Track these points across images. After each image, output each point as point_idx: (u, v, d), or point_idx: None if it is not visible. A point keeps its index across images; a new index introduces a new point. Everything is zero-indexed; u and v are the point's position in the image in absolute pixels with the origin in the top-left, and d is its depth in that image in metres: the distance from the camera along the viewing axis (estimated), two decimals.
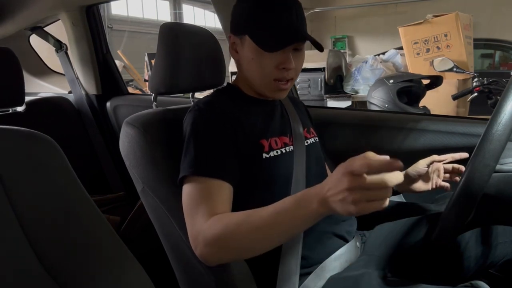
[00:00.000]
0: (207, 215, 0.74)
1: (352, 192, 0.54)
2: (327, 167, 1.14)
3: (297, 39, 0.84)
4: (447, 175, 0.96)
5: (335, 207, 0.58)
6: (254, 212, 0.71)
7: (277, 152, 0.87)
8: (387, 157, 0.53)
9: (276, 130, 0.91)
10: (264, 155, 0.85)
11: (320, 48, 0.86)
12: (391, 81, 2.49)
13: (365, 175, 0.53)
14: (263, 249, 0.72)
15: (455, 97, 2.25)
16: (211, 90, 1.04)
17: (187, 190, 0.79)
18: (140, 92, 3.58)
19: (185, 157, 0.81)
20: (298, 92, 1.59)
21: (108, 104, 1.88)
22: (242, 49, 0.89)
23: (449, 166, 0.96)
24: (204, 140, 0.82)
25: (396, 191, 1.00)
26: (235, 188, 0.81)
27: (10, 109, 1.57)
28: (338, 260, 0.88)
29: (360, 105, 3.28)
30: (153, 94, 1.07)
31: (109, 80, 1.88)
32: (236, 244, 0.72)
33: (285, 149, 0.89)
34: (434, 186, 0.98)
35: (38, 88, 2.13)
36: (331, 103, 3.31)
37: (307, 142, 0.96)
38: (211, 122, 0.83)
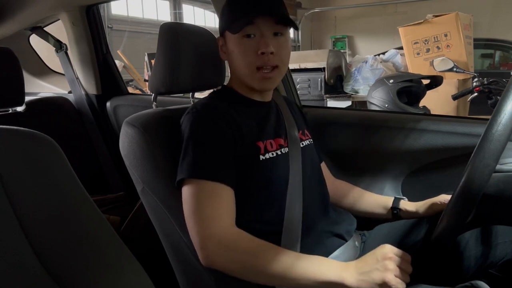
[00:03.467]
0: (222, 220, 0.77)
1: (387, 265, 0.68)
2: (325, 167, 1.14)
3: (260, 12, 0.84)
4: None
5: (370, 276, 0.68)
6: (279, 249, 0.76)
7: (272, 154, 0.88)
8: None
9: (271, 132, 0.91)
10: (261, 157, 0.86)
11: (294, 26, 0.88)
12: (391, 81, 2.49)
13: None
14: (269, 282, 0.75)
15: (455, 97, 2.25)
16: (211, 90, 1.04)
17: (190, 192, 0.79)
18: (140, 92, 3.58)
19: (184, 159, 0.82)
20: (298, 92, 1.58)
21: (108, 104, 1.88)
22: (227, 47, 0.91)
23: None
24: (203, 142, 0.82)
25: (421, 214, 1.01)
26: (234, 190, 0.82)
27: (10, 109, 1.57)
28: (337, 259, 0.88)
29: (360, 105, 3.28)
30: (153, 94, 1.07)
31: (109, 80, 1.88)
32: (250, 266, 0.74)
33: (281, 151, 0.90)
34: None
35: (38, 88, 2.13)
36: (331, 103, 3.31)
37: (302, 144, 0.96)
38: (209, 125, 0.84)
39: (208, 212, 0.77)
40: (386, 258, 0.69)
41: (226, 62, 1.11)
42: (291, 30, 0.91)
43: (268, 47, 0.84)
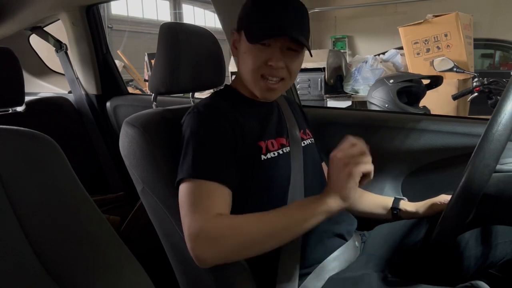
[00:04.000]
0: (207, 214, 0.74)
1: (346, 165, 0.70)
2: (325, 167, 1.14)
3: (281, 35, 0.83)
4: None
5: (342, 189, 0.70)
6: (260, 213, 0.75)
7: (274, 153, 0.88)
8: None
9: (273, 132, 0.91)
10: (262, 156, 0.86)
11: (309, 51, 0.87)
12: (391, 81, 2.49)
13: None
14: (264, 248, 0.73)
15: (455, 97, 2.25)
16: (211, 90, 1.05)
17: (185, 191, 0.79)
18: (140, 92, 3.58)
19: (184, 159, 0.81)
20: (298, 92, 1.58)
21: (108, 104, 1.88)
22: (240, 44, 0.90)
23: None
24: (203, 143, 0.82)
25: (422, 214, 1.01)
26: (233, 191, 0.81)
27: (10, 109, 1.57)
28: (337, 260, 0.88)
29: (360, 105, 3.28)
30: (153, 94, 1.07)
31: (109, 80, 1.88)
32: (240, 241, 0.73)
33: (282, 150, 0.89)
34: None
35: (38, 88, 2.13)
36: (331, 103, 3.31)
37: (303, 143, 0.96)
38: (210, 125, 0.84)
39: (199, 211, 0.75)
40: (342, 166, 0.70)
41: (225, 62, 1.11)
42: None
43: (279, 62, 0.84)
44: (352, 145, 0.72)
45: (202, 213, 0.74)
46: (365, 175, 0.71)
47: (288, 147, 0.91)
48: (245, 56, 0.88)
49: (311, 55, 0.88)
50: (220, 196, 0.79)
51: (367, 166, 0.71)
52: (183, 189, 0.79)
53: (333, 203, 0.71)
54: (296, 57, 0.88)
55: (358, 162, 0.70)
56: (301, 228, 0.73)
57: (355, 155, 0.71)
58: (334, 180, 0.72)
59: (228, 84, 1.00)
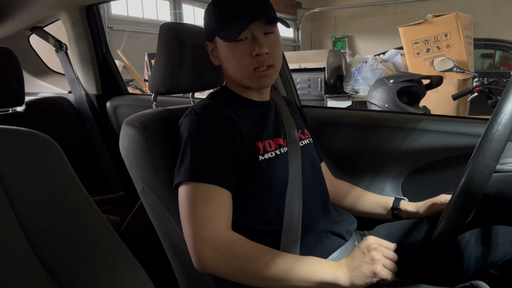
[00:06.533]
0: (216, 223, 0.77)
1: (375, 249, 0.72)
2: (325, 167, 1.14)
3: (253, 18, 0.84)
4: None
5: (356, 269, 0.72)
6: (273, 250, 0.77)
7: (271, 154, 0.88)
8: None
9: (270, 132, 0.91)
10: (260, 157, 0.86)
11: (285, 24, 0.88)
12: (391, 81, 2.49)
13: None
14: (264, 285, 0.75)
15: (455, 97, 2.25)
16: (211, 90, 1.05)
17: (186, 194, 0.79)
18: (140, 92, 3.58)
19: (182, 162, 0.82)
20: (298, 92, 1.58)
21: (108, 104, 1.88)
22: (218, 52, 0.90)
23: None
24: (201, 145, 0.82)
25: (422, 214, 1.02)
26: (233, 192, 0.82)
27: (10, 109, 1.57)
28: (337, 260, 0.88)
29: (360, 105, 3.28)
30: (153, 94, 1.07)
31: (109, 80, 1.88)
32: (245, 270, 0.75)
33: (280, 151, 0.89)
34: None
35: (38, 88, 2.13)
36: (331, 103, 3.31)
37: (301, 143, 0.96)
38: (207, 127, 0.84)
39: (202, 215, 0.77)
40: (371, 249, 0.72)
41: None
42: (291, 30, 0.92)
43: (262, 48, 0.84)
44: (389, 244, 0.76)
45: (211, 220, 0.77)
46: (379, 281, 0.72)
47: (286, 148, 0.91)
48: (229, 59, 0.88)
49: (288, 26, 0.88)
50: (220, 198, 0.79)
51: (390, 267, 0.72)
52: (183, 192, 0.80)
53: (341, 277, 0.72)
54: (275, 40, 0.88)
55: (387, 256, 0.73)
56: (303, 286, 0.73)
57: (388, 248, 0.74)
58: (355, 255, 0.74)
59: (224, 85, 1.01)
